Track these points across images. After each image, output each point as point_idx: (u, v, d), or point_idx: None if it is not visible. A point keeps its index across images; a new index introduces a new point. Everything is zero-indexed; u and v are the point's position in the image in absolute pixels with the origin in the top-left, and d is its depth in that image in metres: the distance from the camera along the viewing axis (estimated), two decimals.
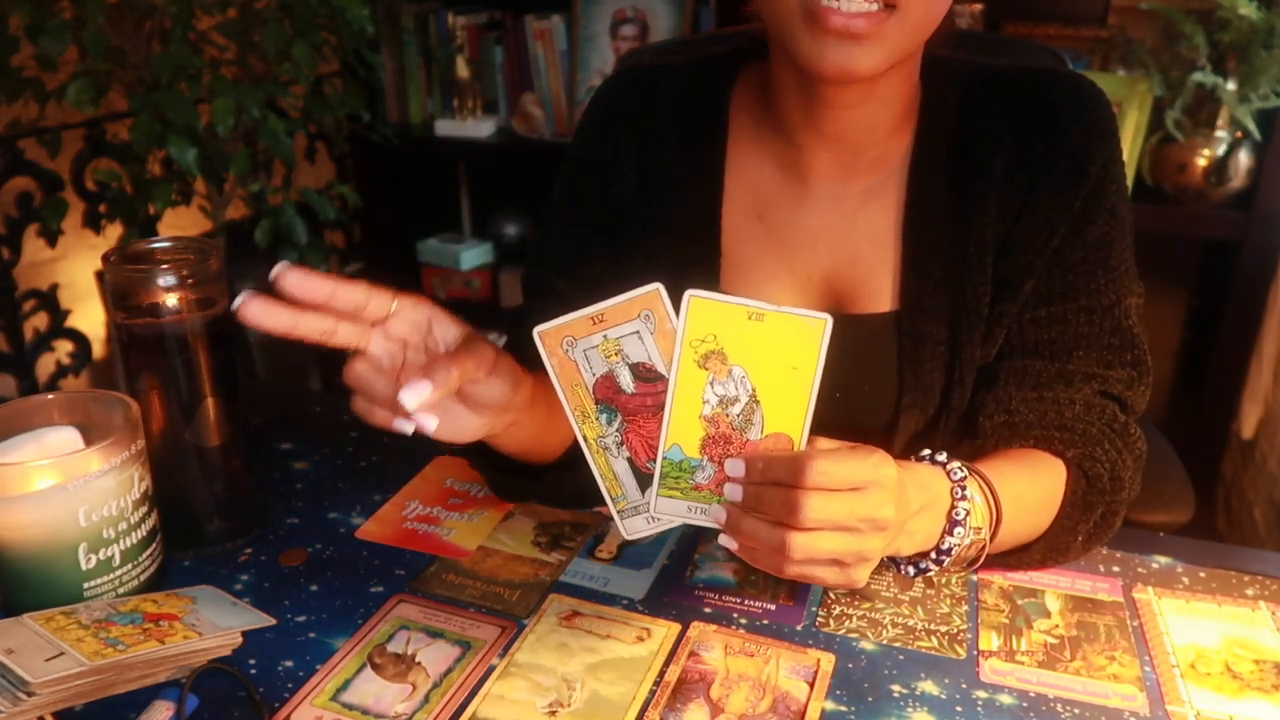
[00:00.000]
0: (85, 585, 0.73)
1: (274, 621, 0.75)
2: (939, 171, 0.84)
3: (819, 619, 0.77)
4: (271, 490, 0.93)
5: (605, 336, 0.66)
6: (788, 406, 0.64)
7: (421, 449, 0.99)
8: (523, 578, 0.81)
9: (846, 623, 0.76)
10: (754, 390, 0.64)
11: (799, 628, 0.76)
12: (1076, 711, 0.68)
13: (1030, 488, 0.78)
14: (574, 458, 0.86)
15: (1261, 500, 1.93)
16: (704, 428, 0.65)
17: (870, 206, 0.85)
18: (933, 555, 0.72)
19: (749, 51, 0.90)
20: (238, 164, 1.82)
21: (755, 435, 0.65)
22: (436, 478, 0.96)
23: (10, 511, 0.70)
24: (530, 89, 2.46)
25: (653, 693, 0.69)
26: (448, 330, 0.69)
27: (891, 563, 0.75)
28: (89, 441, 0.76)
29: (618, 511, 0.69)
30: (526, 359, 0.71)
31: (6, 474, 0.70)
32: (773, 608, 0.78)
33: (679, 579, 0.81)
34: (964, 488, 0.71)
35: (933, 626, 0.76)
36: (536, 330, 0.66)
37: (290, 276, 0.62)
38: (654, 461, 0.67)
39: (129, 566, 0.76)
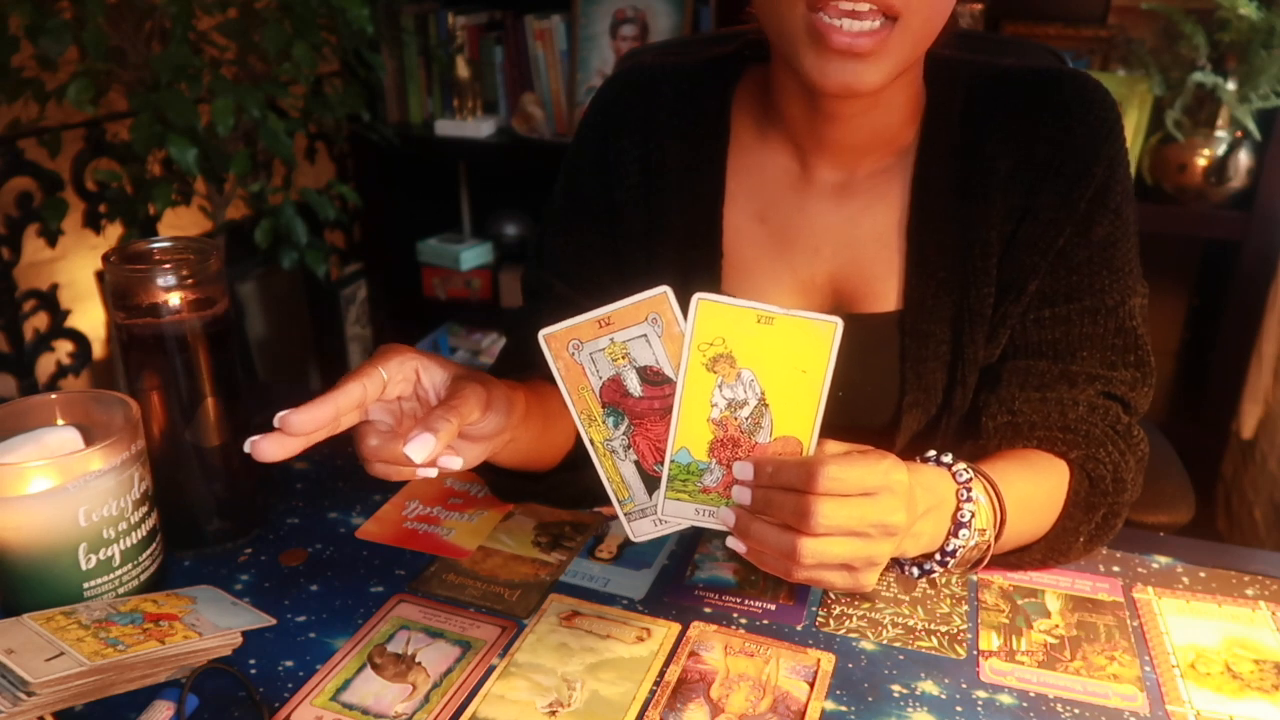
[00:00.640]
0: (85, 585, 0.73)
1: (274, 621, 0.75)
2: (943, 171, 0.83)
3: (819, 619, 0.77)
4: (271, 490, 0.93)
5: (612, 340, 0.65)
6: (797, 409, 0.64)
7: None
8: (523, 578, 0.81)
9: (846, 623, 0.76)
10: (763, 393, 0.64)
11: (799, 628, 0.76)
12: (1076, 711, 0.68)
13: (1034, 489, 0.78)
14: (574, 460, 0.86)
15: (1261, 500, 1.93)
16: (712, 431, 0.65)
17: (874, 207, 0.85)
18: (937, 557, 0.72)
19: (752, 53, 0.90)
20: (238, 164, 1.82)
21: (764, 438, 0.65)
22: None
23: (10, 512, 0.70)
24: (530, 89, 2.46)
25: (653, 693, 0.69)
26: (435, 376, 0.69)
27: (895, 564, 0.75)
28: (89, 441, 0.76)
29: (625, 514, 0.68)
30: (526, 361, 0.71)
31: (6, 474, 0.70)
32: (773, 608, 0.78)
33: (679, 579, 0.81)
34: (969, 489, 0.71)
35: (933, 626, 0.76)
36: (542, 333, 0.65)
37: (294, 419, 0.62)
38: (661, 464, 0.66)
39: (129, 566, 0.76)
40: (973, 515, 0.70)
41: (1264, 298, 1.97)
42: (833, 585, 0.65)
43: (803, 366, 0.63)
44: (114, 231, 1.96)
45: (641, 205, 0.89)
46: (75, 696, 0.65)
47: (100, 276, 2.09)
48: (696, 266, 0.88)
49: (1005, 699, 0.69)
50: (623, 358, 0.66)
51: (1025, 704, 0.69)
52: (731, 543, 0.66)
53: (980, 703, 0.69)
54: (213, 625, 0.71)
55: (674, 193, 0.88)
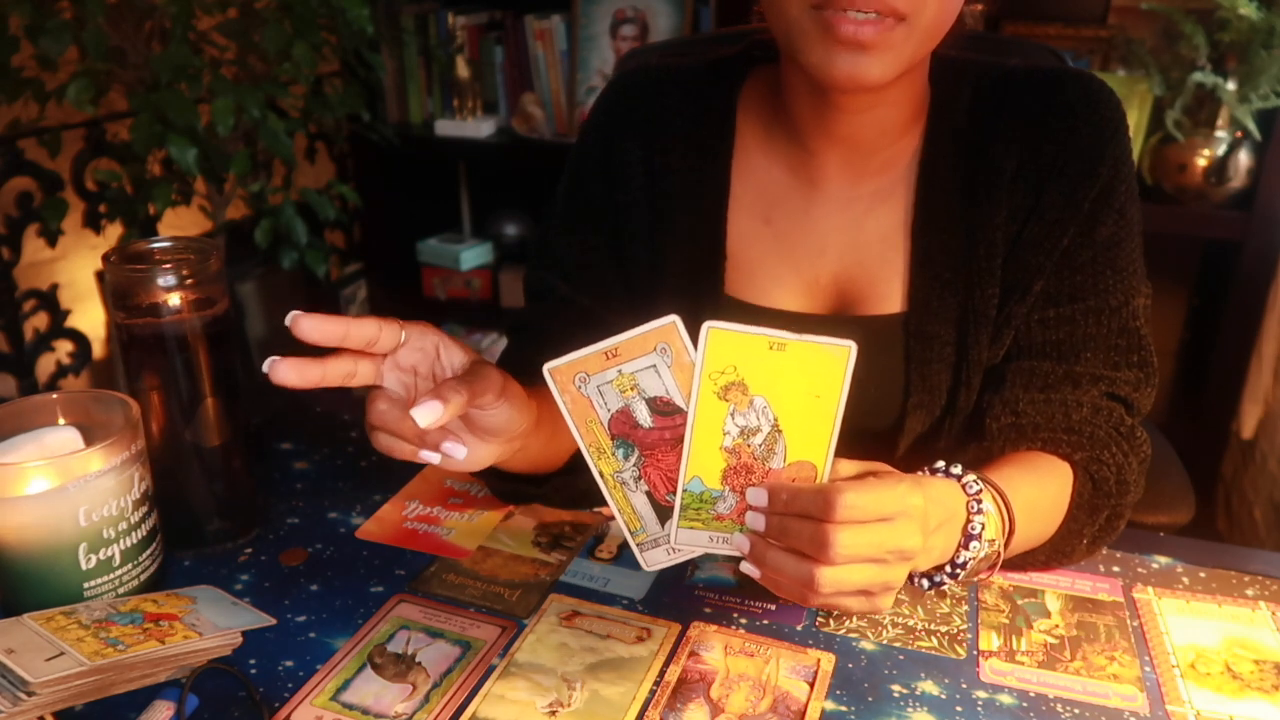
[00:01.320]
0: (85, 585, 0.73)
1: (274, 621, 0.75)
2: (948, 172, 0.83)
3: (819, 619, 0.77)
4: (271, 490, 0.93)
5: (620, 371, 0.63)
6: (811, 434, 0.63)
7: None
8: (523, 578, 0.81)
9: (846, 623, 0.76)
10: (776, 420, 0.63)
11: (799, 628, 0.76)
12: (1076, 711, 0.68)
13: (1040, 494, 0.78)
14: (575, 464, 0.86)
15: (1261, 500, 1.93)
16: (725, 459, 0.64)
17: (879, 208, 0.85)
18: (948, 569, 0.71)
19: (759, 54, 0.90)
20: (238, 164, 1.82)
21: (778, 464, 0.64)
22: (436, 478, 0.96)
23: (10, 511, 0.70)
24: (530, 89, 2.46)
25: (653, 693, 0.69)
26: (455, 357, 0.69)
27: (907, 577, 0.75)
28: (89, 441, 0.76)
29: (637, 545, 0.67)
30: (528, 363, 0.71)
31: (6, 474, 0.70)
32: (773, 608, 0.78)
33: (679, 579, 0.81)
34: (979, 501, 0.70)
35: (933, 626, 0.76)
36: (547, 367, 0.64)
37: (304, 322, 0.62)
38: (673, 494, 0.65)
39: (129, 566, 0.76)
40: (983, 527, 0.70)
41: (1264, 298, 1.97)
42: (849, 610, 0.65)
43: (816, 392, 0.62)
44: (114, 231, 1.96)
45: (645, 207, 0.89)
46: (75, 696, 0.65)
47: (100, 276, 2.09)
48: (700, 268, 0.87)
49: (1005, 699, 0.69)
50: (631, 389, 0.64)
51: (1025, 704, 0.69)
52: (746, 568, 0.66)
53: (980, 703, 0.69)
54: (213, 625, 0.71)
55: (678, 194, 0.88)
